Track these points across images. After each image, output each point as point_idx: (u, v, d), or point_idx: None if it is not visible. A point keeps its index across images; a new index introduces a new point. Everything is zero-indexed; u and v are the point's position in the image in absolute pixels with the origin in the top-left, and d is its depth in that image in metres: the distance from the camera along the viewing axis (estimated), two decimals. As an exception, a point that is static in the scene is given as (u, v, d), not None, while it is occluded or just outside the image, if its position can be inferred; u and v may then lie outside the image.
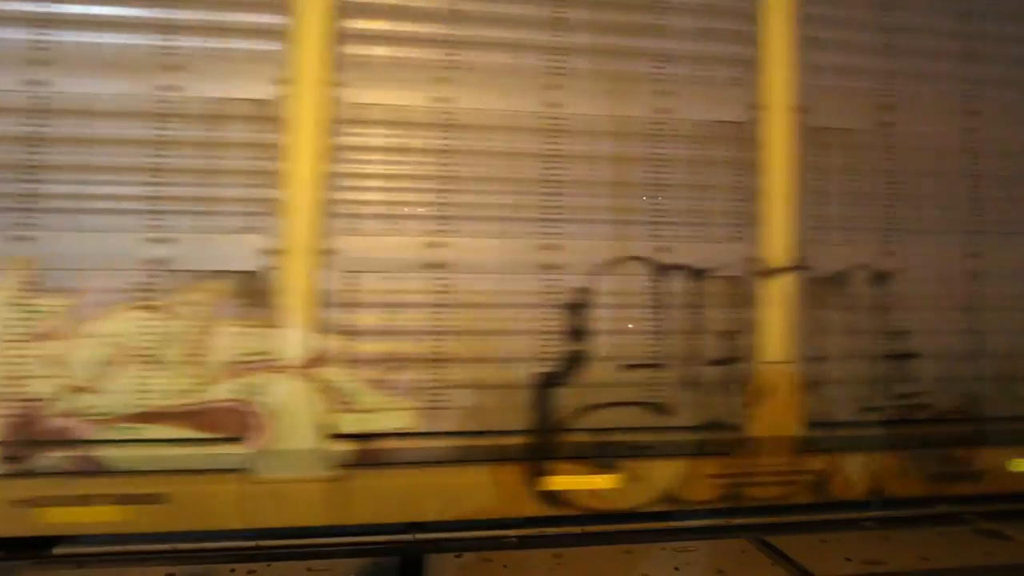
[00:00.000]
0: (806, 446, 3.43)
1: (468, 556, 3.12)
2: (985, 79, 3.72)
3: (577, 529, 3.40)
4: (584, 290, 3.24)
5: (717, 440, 3.34)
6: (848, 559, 3.18)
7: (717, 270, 3.35)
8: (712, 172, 3.39)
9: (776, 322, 3.38)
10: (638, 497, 3.32)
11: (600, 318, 3.25)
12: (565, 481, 3.28)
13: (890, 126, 3.59)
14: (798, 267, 3.41)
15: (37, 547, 3.10)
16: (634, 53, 3.37)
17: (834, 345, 3.45)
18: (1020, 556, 3.31)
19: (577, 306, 3.23)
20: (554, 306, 3.22)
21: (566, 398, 3.21)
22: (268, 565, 3.00)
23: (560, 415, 3.20)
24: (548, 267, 3.23)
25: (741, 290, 3.37)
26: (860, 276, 3.50)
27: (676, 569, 3.05)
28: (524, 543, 3.30)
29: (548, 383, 3.20)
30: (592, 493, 3.29)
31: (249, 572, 2.95)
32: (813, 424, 3.42)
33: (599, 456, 3.26)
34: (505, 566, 3.05)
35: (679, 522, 3.51)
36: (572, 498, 3.28)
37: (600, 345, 3.24)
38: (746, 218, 3.40)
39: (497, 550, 3.20)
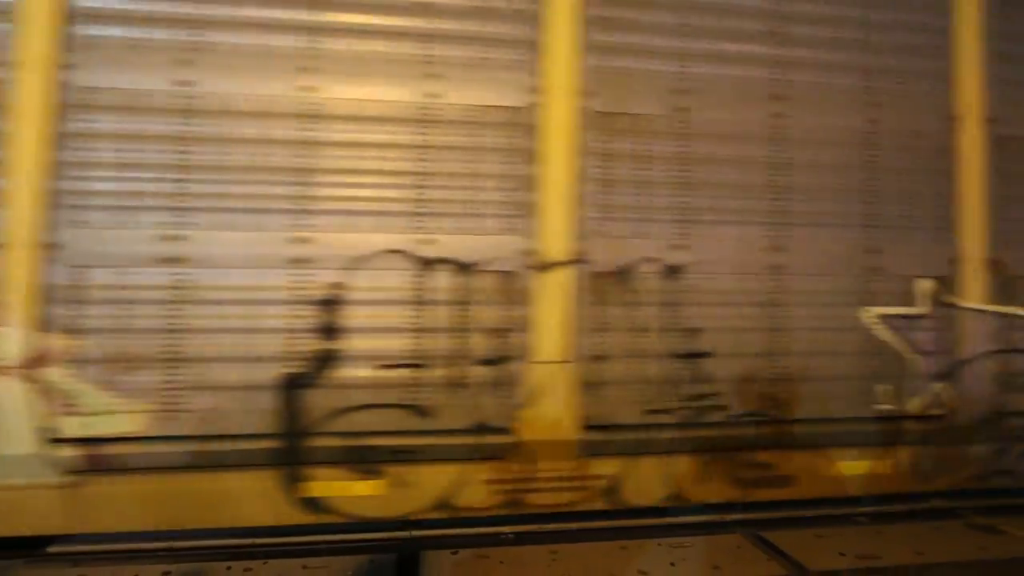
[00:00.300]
0: (589, 450, 3.25)
1: (464, 553, 3.11)
2: (793, 62, 3.52)
3: (574, 525, 3.42)
4: (338, 285, 3.06)
5: (486, 444, 3.15)
6: (842, 554, 3.17)
7: (487, 264, 3.16)
8: (484, 160, 3.19)
9: (552, 319, 3.18)
10: (408, 504, 3.15)
11: (355, 315, 3.06)
12: (326, 487, 3.11)
13: (685, 111, 3.39)
14: (577, 261, 3.22)
15: (31, 546, 3.08)
16: (401, 34, 3.17)
17: (618, 343, 3.26)
18: (1013, 550, 3.28)
19: (329, 302, 3.05)
20: (304, 302, 3.03)
21: (317, 400, 3.03)
22: (264, 563, 2.99)
23: (310, 418, 3.02)
24: (298, 261, 3.04)
25: (513, 285, 3.18)
26: (648, 270, 3.30)
27: (672, 564, 3.04)
28: (520, 539, 3.30)
29: (297, 384, 3.02)
30: (358, 500, 3.12)
31: (245, 570, 2.93)
32: (593, 427, 3.23)
33: (358, 461, 3.08)
34: (502, 562, 3.04)
35: (674, 518, 3.52)
36: (336, 505, 3.10)
37: (355, 344, 3.06)
38: (520, 209, 3.21)
39: (493, 547, 3.20)
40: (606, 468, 3.30)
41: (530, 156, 3.22)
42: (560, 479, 3.28)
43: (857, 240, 3.53)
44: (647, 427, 3.28)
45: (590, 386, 3.22)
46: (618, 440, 3.27)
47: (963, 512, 3.67)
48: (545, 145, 3.22)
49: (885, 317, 3.52)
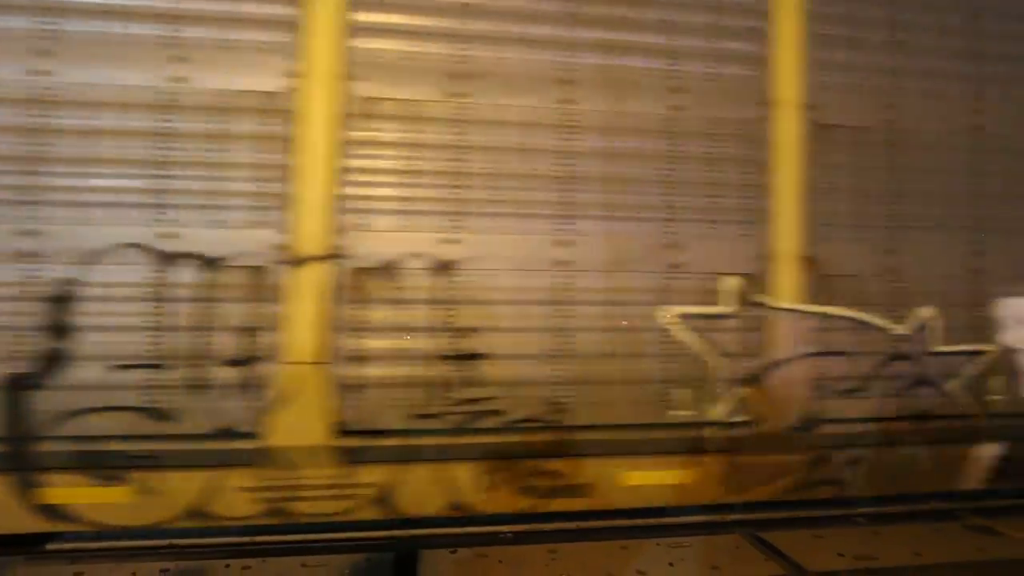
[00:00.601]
0: (353, 456, 3.06)
1: (463, 552, 3.11)
2: (584, 44, 3.30)
3: (572, 525, 3.45)
4: (69, 281, 2.88)
5: (233, 450, 2.97)
6: (841, 554, 3.18)
7: (234, 259, 2.98)
8: (233, 148, 3.00)
9: (305, 317, 2.99)
10: (157, 512, 2.97)
11: (88, 312, 2.88)
12: (67, 494, 2.94)
13: (462, 96, 3.19)
14: (335, 255, 3.03)
15: (30, 543, 3.06)
16: (144, 15, 2.99)
17: (381, 344, 3.06)
18: (1011, 551, 3.27)
19: (59, 299, 2.87)
20: (31, 299, 2.86)
21: (44, 401, 2.85)
22: (263, 561, 3.00)
23: (37, 421, 2.85)
24: (24, 255, 2.86)
25: (264, 281, 2.99)
26: (416, 266, 3.10)
27: (670, 564, 3.05)
28: (519, 539, 3.31)
29: (22, 385, 2.85)
30: (102, 507, 2.95)
31: (244, 568, 2.94)
32: (353, 432, 3.04)
33: (95, 466, 2.91)
34: (500, 561, 3.04)
35: (673, 518, 3.52)
36: (79, 513, 2.93)
37: (87, 343, 2.88)
38: (273, 200, 3.02)
39: (492, 545, 3.20)
40: (375, 476, 3.11)
41: (286, 144, 3.03)
42: (325, 487, 3.09)
43: (656, 234, 3.32)
44: (415, 433, 3.08)
45: (348, 389, 3.03)
46: (383, 447, 3.07)
47: (962, 513, 3.67)
48: (303, 133, 3.03)
49: (686, 317, 3.30)
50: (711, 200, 3.38)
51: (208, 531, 3.14)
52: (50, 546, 3.12)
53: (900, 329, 3.53)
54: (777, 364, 3.37)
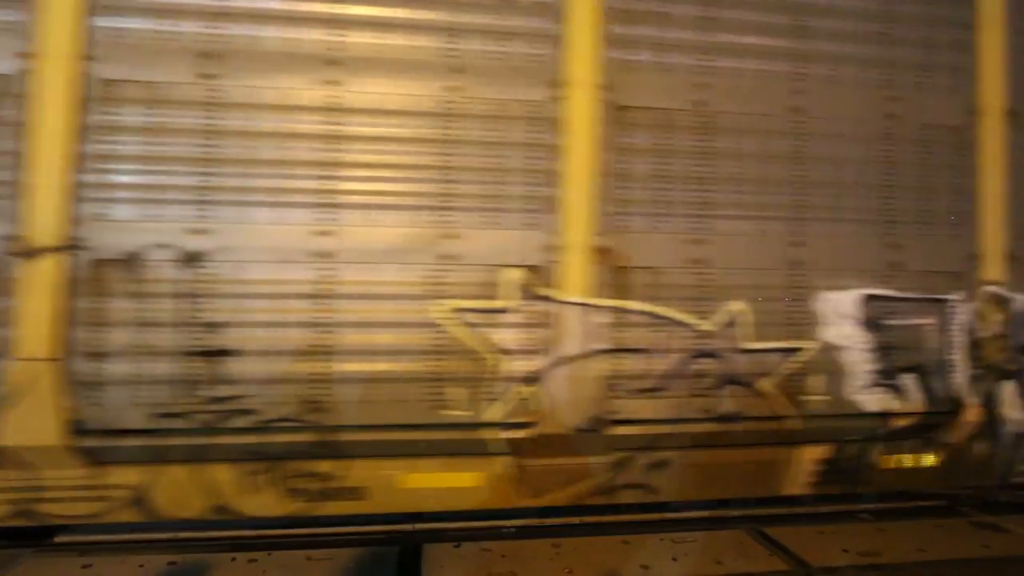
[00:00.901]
0: (97, 457, 2.92)
1: (467, 546, 3.13)
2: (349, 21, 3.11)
3: (576, 519, 3.47)
4: None
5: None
6: (845, 550, 3.18)
7: (-39, 250, 2.84)
8: (-40, 134, 2.86)
9: (38, 312, 2.84)
10: None
11: None
12: None
13: (211, 79, 3.01)
14: (71, 247, 2.88)
15: (39, 536, 3.13)
16: None
17: (122, 339, 2.91)
18: (1016, 548, 3.26)
19: None
20: None
21: None
22: (269, 554, 3.03)
23: None
24: None
25: (-7, 274, 2.86)
26: (162, 257, 2.94)
27: (674, 559, 3.04)
28: (522, 533, 3.33)
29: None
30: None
31: (250, 561, 2.98)
32: (93, 432, 2.90)
33: None
34: (504, 556, 3.04)
35: (676, 513, 3.53)
36: None
37: None
38: (3, 189, 2.87)
39: (496, 540, 3.21)
40: (129, 477, 2.98)
41: (20, 131, 2.87)
42: (72, 488, 2.96)
43: (429, 224, 3.12)
44: (161, 432, 2.94)
45: (86, 386, 2.88)
46: (132, 447, 2.93)
47: (967, 510, 3.67)
48: (40, 118, 2.87)
49: (461, 311, 3.12)
50: (493, 187, 3.17)
51: (213, 524, 3.19)
52: (59, 539, 3.19)
53: (705, 325, 3.31)
54: (563, 362, 3.18)
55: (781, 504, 3.60)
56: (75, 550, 3.07)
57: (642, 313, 3.26)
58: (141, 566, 2.91)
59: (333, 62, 3.09)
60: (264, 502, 3.09)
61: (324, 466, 3.11)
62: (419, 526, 3.36)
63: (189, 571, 2.92)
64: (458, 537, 3.21)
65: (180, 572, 2.91)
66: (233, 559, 2.99)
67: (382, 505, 3.19)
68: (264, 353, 2.98)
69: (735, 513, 3.57)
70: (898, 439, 3.56)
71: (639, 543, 3.18)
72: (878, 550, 3.17)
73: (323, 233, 3.04)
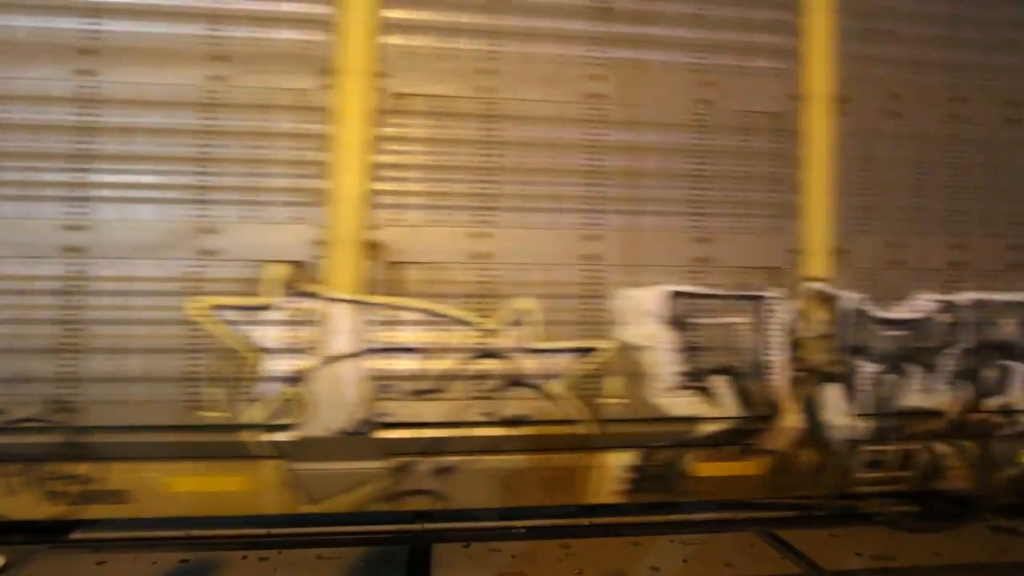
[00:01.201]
0: None
1: (476, 546, 3.14)
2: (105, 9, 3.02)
3: (585, 521, 3.49)
4: None
5: None
6: (858, 553, 3.16)
7: None
8: None
9: None
10: None
11: None
12: None
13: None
14: None
15: (55, 532, 3.18)
16: None
17: None
18: None
19: None
20: None
21: None
22: (279, 552, 3.09)
23: None
24: None
25: None
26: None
27: (684, 561, 3.04)
28: (532, 534, 3.34)
29: None
30: None
31: (261, 559, 3.04)
32: None
33: None
34: (513, 556, 3.06)
35: (687, 515, 3.54)
36: None
37: None
38: None
39: (505, 540, 3.22)
40: None
41: None
42: None
43: (187, 218, 3.01)
44: None
45: None
46: None
47: (984, 514, 3.60)
48: None
49: (219, 308, 2.99)
50: (255, 180, 3.05)
51: (225, 522, 3.27)
52: (74, 535, 3.24)
53: (489, 323, 3.14)
54: (329, 361, 3.03)
55: (787, 508, 3.60)
56: (89, 547, 3.13)
57: (418, 311, 3.10)
58: (154, 563, 2.97)
59: (87, 51, 2.99)
60: (22, 505, 3.00)
61: (82, 468, 3.00)
62: (428, 526, 3.37)
63: (201, 569, 2.97)
64: (467, 537, 3.23)
65: (192, 570, 2.96)
66: (244, 557, 3.05)
67: (148, 509, 3.07)
68: (6, 351, 2.89)
69: (746, 516, 3.59)
70: (712, 445, 3.33)
71: (649, 544, 3.17)
72: (892, 554, 3.14)
73: (73, 228, 2.95)
